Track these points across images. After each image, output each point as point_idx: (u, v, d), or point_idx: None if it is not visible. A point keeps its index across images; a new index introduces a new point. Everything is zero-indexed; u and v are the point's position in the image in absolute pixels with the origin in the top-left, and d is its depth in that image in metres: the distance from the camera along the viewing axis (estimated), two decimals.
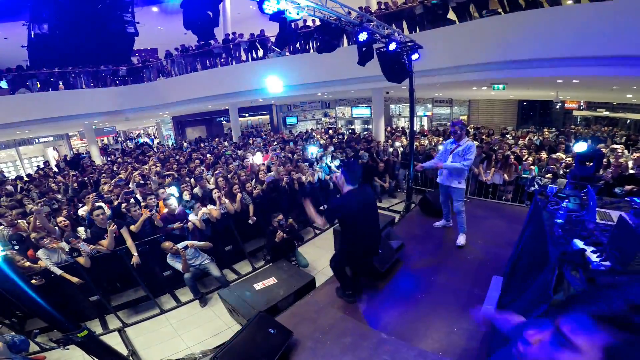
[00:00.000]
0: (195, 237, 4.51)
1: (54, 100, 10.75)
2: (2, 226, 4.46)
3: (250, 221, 5.14)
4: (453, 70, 7.61)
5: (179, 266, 4.14)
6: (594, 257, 2.03)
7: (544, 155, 6.86)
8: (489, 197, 6.29)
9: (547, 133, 10.76)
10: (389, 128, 13.68)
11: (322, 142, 10.76)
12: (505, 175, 6.11)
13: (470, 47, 7.03)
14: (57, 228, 4.36)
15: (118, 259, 4.10)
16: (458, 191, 4.11)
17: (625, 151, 7.69)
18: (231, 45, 10.89)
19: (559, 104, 15.57)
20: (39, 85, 10.94)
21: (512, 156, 6.26)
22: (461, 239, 4.22)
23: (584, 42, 5.55)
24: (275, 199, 5.65)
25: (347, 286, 3.36)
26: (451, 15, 7.56)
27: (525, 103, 16.76)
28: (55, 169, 11.38)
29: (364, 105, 16.81)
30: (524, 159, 6.42)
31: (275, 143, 10.85)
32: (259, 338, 2.74)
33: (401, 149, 8.73)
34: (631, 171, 5.56)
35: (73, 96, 11.10)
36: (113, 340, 3.60)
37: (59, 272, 3.75)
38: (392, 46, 5.14)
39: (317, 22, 5.19)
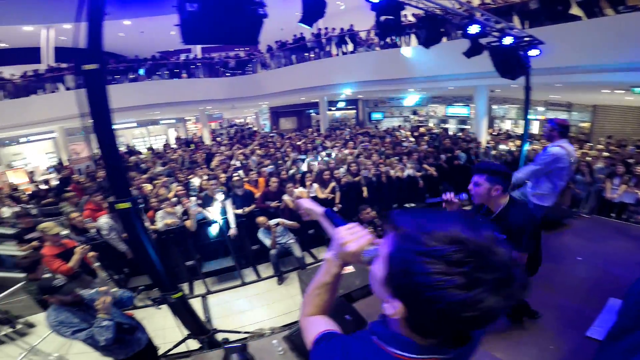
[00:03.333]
0: (286, 216, 4.83)
1: (178, 87, 12.71)
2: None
3: (335, 208, 5.29)
4: (579, 69, 6.62)
5: (267, 242, 4.49)
6: None
7: None
8: (610, 216, 5.27)
9: None
10: (490, 130, 12.42)
11: (410, 138, 10.39)
12: None
13: (605, 45, 6.07)
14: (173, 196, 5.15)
15: (218, 228, 4.54)
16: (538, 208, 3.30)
17: None
18: (323, 40, 11.27)
19: None
20: (167, 74, 13.03)
21: None
22: None
23: None
24: (361, 191, 5.68)
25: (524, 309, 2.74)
26: (575, 11, 6.69)
27: None
28: (174, 146, 13.46)
29: (461, 104, 15.47)
30: None
31: (362, 137, 10.91)
32: (334, 322, 2.73)
33: (507, 154, 7.76)
34: None
35: (192, 84, 12.95)
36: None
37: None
38: (508, 40, 4.65)
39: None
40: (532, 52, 5.02)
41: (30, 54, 14.62)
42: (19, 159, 13.65)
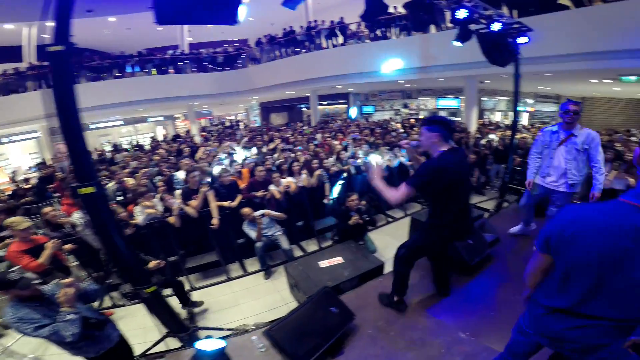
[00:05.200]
0: (273, 207, 4.69)
1: (164, 83, 12.44)
2: (112, 182, 5.30)
3: (325, 200, 5.17)
4: (568, 58, 6.68)
5: (253, 234, 4.35)
6: None
7: None
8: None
9: None
10: (480, 121, 12.46)
11: (401, 130, 10.35)
12: (631, 179, 4.99)
13: (594, 33, 6.15)
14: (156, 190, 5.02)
15: (200, 221, 4.37)
16: (566, 196, 3.18)
17: None
18: (313, 33, 11.23)
19: None
20: (154, 72, 12.74)
21: None
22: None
23: None
24: (352, 181, 5.58)
25: (401, 291, 2.76)
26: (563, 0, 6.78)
27: None
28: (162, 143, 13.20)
29: (452, 96, 15.51)
30: None
31: (352, 128, 10.84)
32: (319, 315, 2.58)
33: (495, 142, 7.77)
34: None
35: (179, 80, 12.68)
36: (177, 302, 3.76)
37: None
38: (497, 26, 4.56)
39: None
40: (521, 40, 4.95)
41: (12, 53, 14.43)
42: (1, 160, 13.26)
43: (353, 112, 16.69)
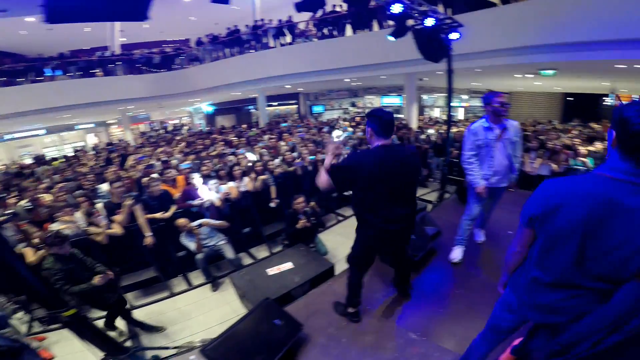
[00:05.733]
0: (213, 216, 4.34)
1: (91, 86, 11.23)
2: (23, 200, 4.56)
3: (272, 204, 4.91)
4: (495, 53, 7.04)
5: (192, 246, 3.99)
6: None
7: (599, 145, 6.06)
8: (531, 188, 5.66)
9: (596, 126, 9.72)
10: (421, 117, 13.06)
11: (349, 128, 10.43)
12: (554, 165, 5.45)
13: (516, 29, 6.51)
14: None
15: (131, 237, 3.95)
16: (504, 191, 3.16)
17: None
18: (260, 32, 10.91)
19: (610, 100, 14.02)
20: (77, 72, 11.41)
21: (561, 146, 5.59)
22: (482, 233, 3.53)
23: None
24: (299, 181, 5.37)
25: (354, 302, 2.58)
26: None
27: (571, 98, 15.31)
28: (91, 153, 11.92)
29: (395, 94, 16.16)
30: (576, 150, 5.70)
31: (300, 128, 10.70)
32: (261, 330, 2.39)
33: (434, 137, 8.15)
34: None
35: (109, 83, 11.55)
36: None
37: None
38: (430, 22, 4.69)
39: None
40: (453, 36, 5.14)
41: None
42: None
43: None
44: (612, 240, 1.12)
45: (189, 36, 17.03)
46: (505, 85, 14.85)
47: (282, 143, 7.12)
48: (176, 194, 4.36)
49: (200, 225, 3.98)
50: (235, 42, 11.43)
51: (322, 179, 2.07)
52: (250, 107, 18.36)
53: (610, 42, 5.46)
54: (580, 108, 15.14)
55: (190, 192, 4.33)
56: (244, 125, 13.65)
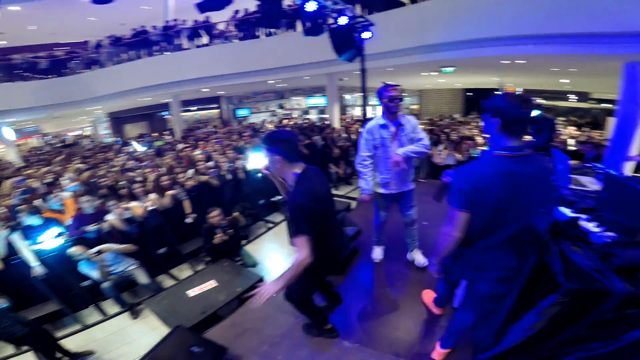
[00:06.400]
0: (117, 239, 3.77)
1: None
2: None
3: (188, 219, 4.46)
4: (403, 52, 7.46)
5: (95, 274, 3.43)
6: (591, 227, 1.69)
7: None
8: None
9: None
10: (343, 116, 13.50)
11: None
12: (458, 155, 6.05)
13: (421, 28, 6.91)
14: None
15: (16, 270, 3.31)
16: (413, 193, 2.88)
17: (568, 130, 8.19)
18: (172, 32, 10.08)
19: (501, 93, 16.34)
20: None
21: (461, 137, 6.25)
22: (421, 257, 3.11)
23: (526, 21, 5.54)
24: (217, 192, 4.98)
25: (323, 321, 2.37)
26: None
27: (470, 93, 17.44)
28: None
29: (319, 94, 16.46)
30: (474, 139, 6.44)
31: (219, 134, 10.11)
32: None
33: (354, 136, 8.45)
34: (572, 148, 5.79)
35: None
36: None
37: None
38: (343, 20, 4.80)
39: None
40: (365, 35, 5.32)
41: None
42: None
43: None
44: (519, 203, 1.43)
45: (88, 38, 14.88)
46: (415, 84, 16.23)
47: (197, 152, 6.58)
48: (66, 220, 3.67)
49: (99, 252, 3.41)
50: (142, 43, 10.36)
51: (299, 258, 1.71)
52: (165, 112, 16.87)
53: (495, 39, 6.02)
54: (478, 102, 17.40)
55: (82, 217, 3.69)
56: (155, 134, 12.45)
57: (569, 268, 1.49)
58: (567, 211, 1.84)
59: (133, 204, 4.10)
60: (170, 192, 4.32)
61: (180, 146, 8.34)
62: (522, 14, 5.51)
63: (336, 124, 10.02)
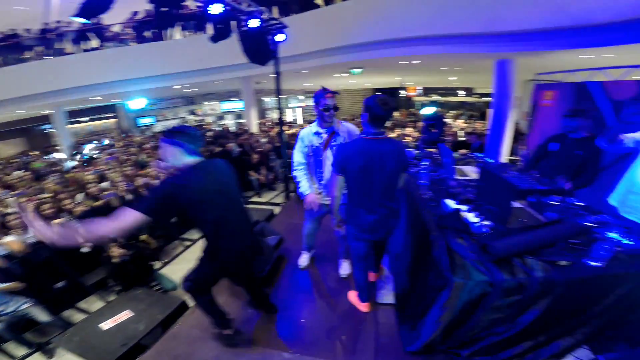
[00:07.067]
0: None
1: None
2: None
3: (83, 249, 3.83)
4: (316, 55, 7.62)
5: None
6: (471, 217, 1.88)
7: (398, 131, 7.67)
8: None
9: (397, 114, 12.31)
10: (262, 120, 13.32)
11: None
12: None
13: (331, 31, 7.09)
14: None
15: None
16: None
17: (457, 122, 9.46)
18: (52, 36, 8.81)
19: (404, 92, 18.16)
20: None
21: None
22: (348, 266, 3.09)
23: (418, 23, 5.99)
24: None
25: (224, 323, 2.33)
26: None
27: (379, 92, 18.96)
28: None
29: (236, 98, 15.82)
30: None
31: (115, 147, 9.01)
32: None
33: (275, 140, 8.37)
34: (461, 138, 6.74)
35: None
36: None
37: None
38: (254, 23, 4.57)
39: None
40: (279, 37, 5.19)
41: None
42: None
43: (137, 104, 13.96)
44: (375, 169, 1.94)
45: None
46: (330, 84, 16.83)
47: (87, 172, 5.70)
48: None
49: None
50: (11, 48, 8.87)
51: (107, 226, 1.63)
52: (47, 126, 14.31)
53: (393, 41, 6.45)
54: None
55: None
56: (34, 153, 10.54)
57: (454, 262, 1.60)
58: (451, 203, 2.07)
59: (8, 239, 3.39)
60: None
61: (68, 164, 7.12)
62: (413, 16, 6.00)
63: (254, 129, 9.81)
